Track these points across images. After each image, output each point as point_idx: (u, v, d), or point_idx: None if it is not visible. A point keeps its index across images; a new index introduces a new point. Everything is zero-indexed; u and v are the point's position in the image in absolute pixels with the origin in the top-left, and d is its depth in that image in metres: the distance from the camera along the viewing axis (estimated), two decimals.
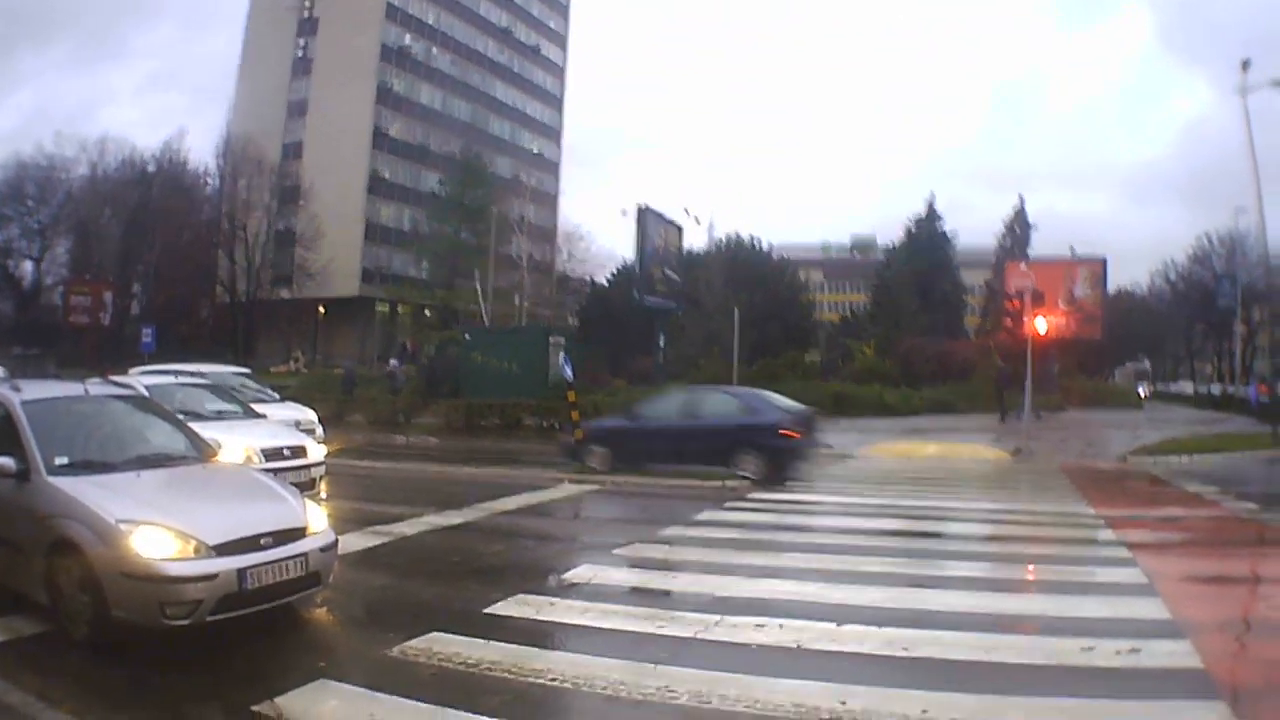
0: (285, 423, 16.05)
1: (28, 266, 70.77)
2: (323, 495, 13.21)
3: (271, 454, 12.75)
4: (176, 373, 17.06)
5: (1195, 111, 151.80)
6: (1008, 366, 34.64)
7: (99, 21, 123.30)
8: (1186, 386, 72.11)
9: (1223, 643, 7.07)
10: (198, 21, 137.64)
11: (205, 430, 12.11)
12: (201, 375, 17.39)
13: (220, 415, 14.18)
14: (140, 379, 14.43)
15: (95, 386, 9.08)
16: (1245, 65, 29.82)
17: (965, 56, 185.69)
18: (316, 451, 13.80)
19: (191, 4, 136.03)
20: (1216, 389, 56.46)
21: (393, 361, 46.33)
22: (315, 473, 13.38)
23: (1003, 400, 33.21)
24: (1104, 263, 52.16)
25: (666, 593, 8.76)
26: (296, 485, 11.84)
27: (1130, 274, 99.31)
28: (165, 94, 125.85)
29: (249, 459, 12.10)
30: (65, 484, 7.09)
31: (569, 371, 20.45)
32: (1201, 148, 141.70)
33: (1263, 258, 52.16)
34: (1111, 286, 59.07)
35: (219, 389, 15.89)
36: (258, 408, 16.05)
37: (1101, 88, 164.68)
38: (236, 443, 12.26)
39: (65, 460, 7.40)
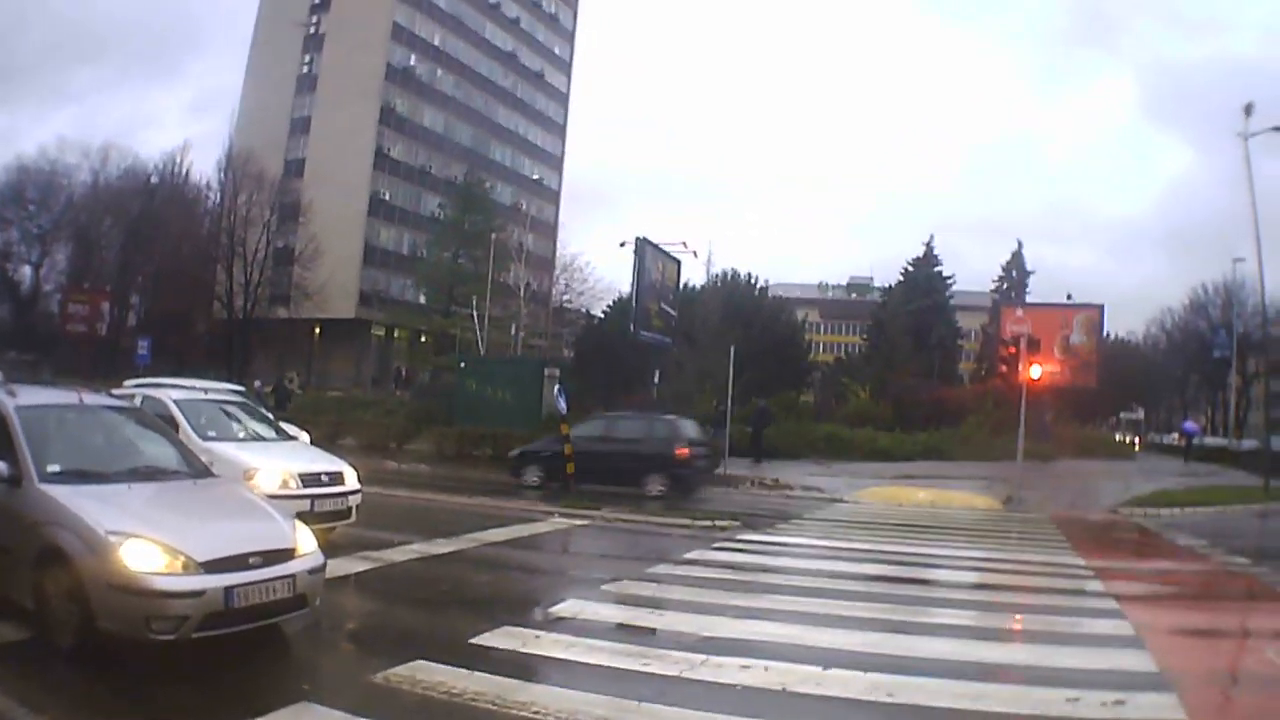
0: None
1: (26, 271, 70.28)
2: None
3: (309, 479, 11.94)
4: (206, 389, 16.02)
5: (1177, 171, 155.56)
6: (767, 405, 34.81)
7: (98, 30, 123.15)
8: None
9: (1208, 696, 7.15)
10: (203, 33, 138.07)
11: (239, 452, 12.09)
12: (200, 390, 15.97)
13: (255, 436, 13.40)
14: (168, 393, 13.69)
15: (90, 396, 9.05)
16: (1249, 109, 29.53)
17: (959, 109, 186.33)
18: (353, 478, 12.69)
19: (196, 16, 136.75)
20: (1210, 441, 56.41)
21: (290, 381, 49.38)
22: (353, 501, 12.39)
23: (758, 441, 31.76)
24: (1101, 309, 51.42)
25: (652, 630, 8.70)
26: (333, 513, 11.80)
27: (1117, 326, 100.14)
28: (168, 105, 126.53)
29: (285, 484, 11.54)
30: (57, 492, 7.07)
31: (563, 404, 20.44)
32: (1183, 206, 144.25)
33: (1259, 307, 52.04)
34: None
35: (250, 408, 14.97)
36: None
37: (1087, 147, 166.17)
38: (273, 466, 11.84)
39: (58, 468, 7.38)
